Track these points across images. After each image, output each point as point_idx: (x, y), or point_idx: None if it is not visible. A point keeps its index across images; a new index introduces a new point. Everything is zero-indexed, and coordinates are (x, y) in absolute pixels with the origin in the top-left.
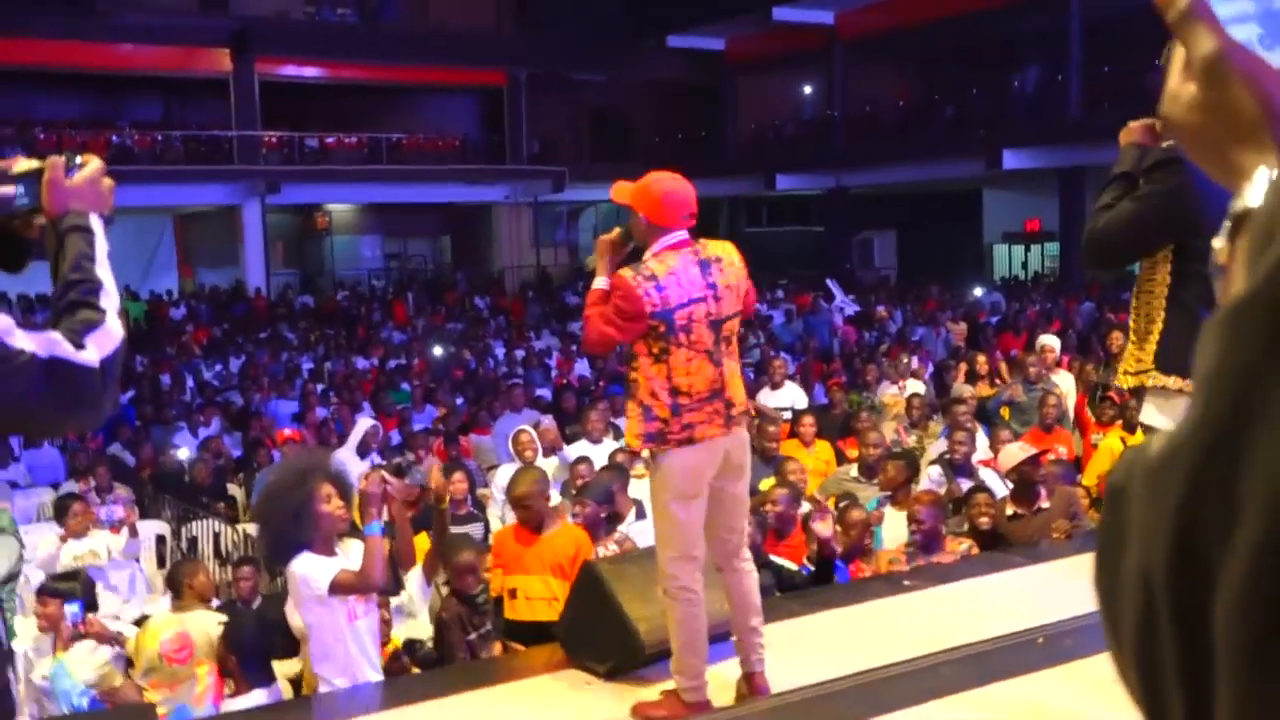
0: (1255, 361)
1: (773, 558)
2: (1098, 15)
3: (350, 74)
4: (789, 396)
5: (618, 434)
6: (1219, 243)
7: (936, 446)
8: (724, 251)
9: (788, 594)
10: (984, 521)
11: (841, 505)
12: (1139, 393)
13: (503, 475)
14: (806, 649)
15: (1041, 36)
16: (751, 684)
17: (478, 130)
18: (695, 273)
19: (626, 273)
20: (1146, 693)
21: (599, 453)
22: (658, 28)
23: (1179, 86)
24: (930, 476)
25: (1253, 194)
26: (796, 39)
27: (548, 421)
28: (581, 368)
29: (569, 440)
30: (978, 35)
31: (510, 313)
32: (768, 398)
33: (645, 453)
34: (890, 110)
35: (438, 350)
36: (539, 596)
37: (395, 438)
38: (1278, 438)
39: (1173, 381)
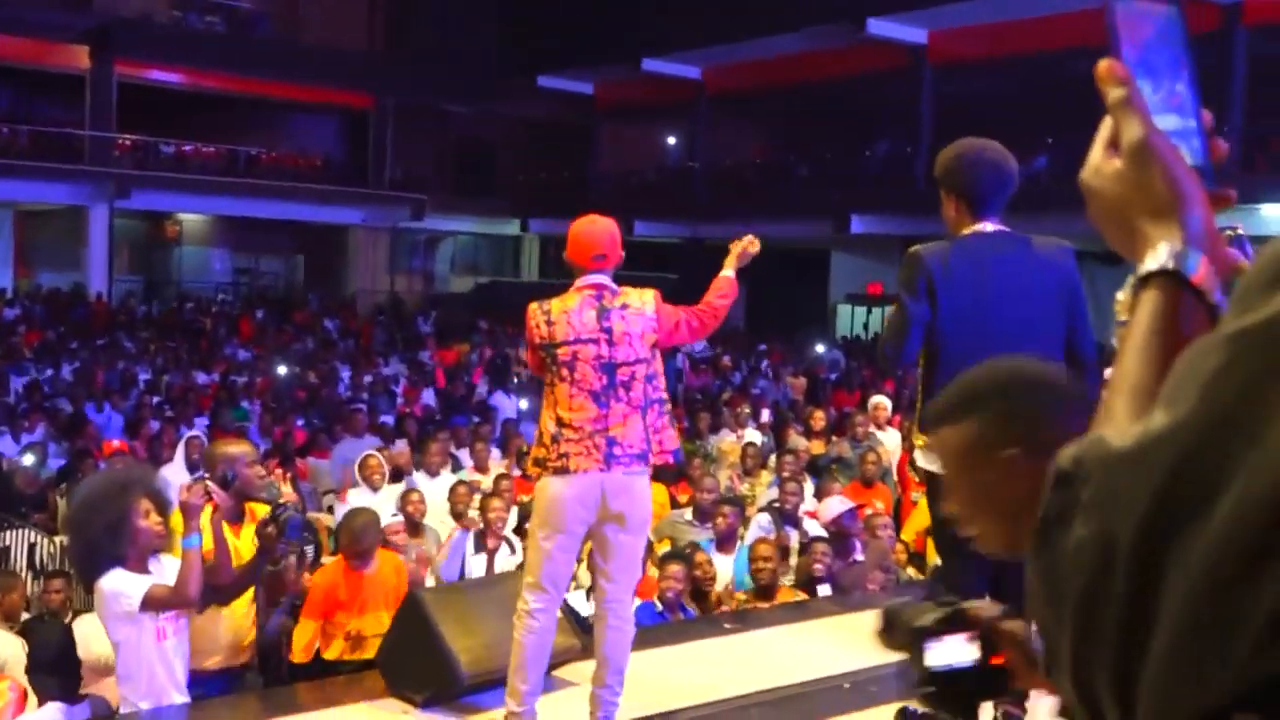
0: (1255, 378)
1: None
2: (948, 95)
3: (213, 83)
4: None
5: (456, 466)
6: (1122, 295)
7: (766, 495)
8: (635, 300)
9: None
10: (818, 569)
11: (687, 550)
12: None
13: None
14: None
15: (894, 109)
16: None
17: (340, 151)
18: (590, 315)
19: (533, 305)
20: (1078, 659)
21: (436, 486)
22: (529, 66)
23: (1103, 160)
24: (759, 524)
25: (1153, 260)
26: (664, 90)
27: (400, 445)
28: (428, 397)
29: (407, 471)
30: (835, 102)
31: (360, 336)
32: None
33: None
34: (748, 166)
35: (282, 369)
36: (374, 635)
37: None
38: (1260, 442)
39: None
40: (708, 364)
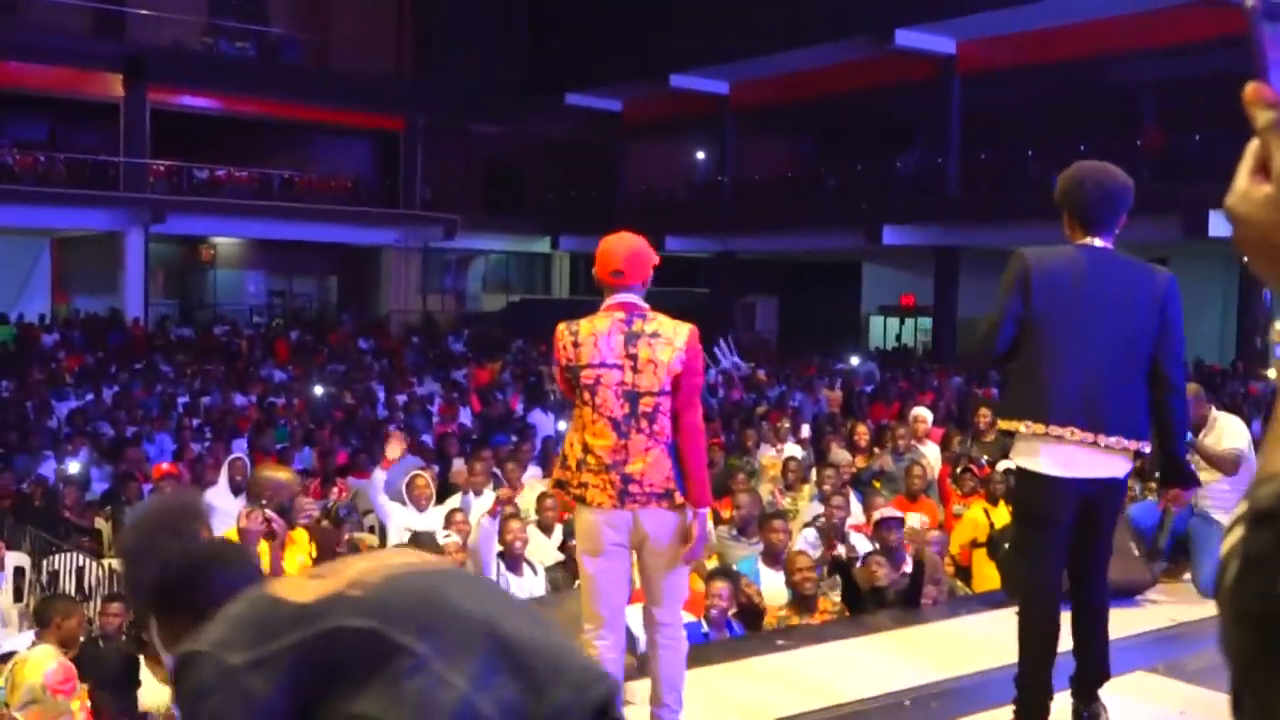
0: None
1: None
2: (977, 104)
3: (245, 108)
4: None
5: (498, 485)
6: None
7: (810, 509)
8: (668, 329)
9: None
10: (880, 578)
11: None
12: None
13: (400, 517)
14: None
15: (924, 120)
16: None
17: (372, 173)
18: (618, 340)
19: (561, 326)
20: None
21: (480, 505)
22: (557, 85)
23: (1251, 186)
24: (806, 539)
25: None
26: (691, 105)
27: (457, 464)
28: (465, 416)
29: (449, 490)
30: (864, 114)
31: (394, 356)
32: None
33: None
34: (778, 180)
35: (318, 390)
36: None
37: None
38: None
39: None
40: (744, 380)
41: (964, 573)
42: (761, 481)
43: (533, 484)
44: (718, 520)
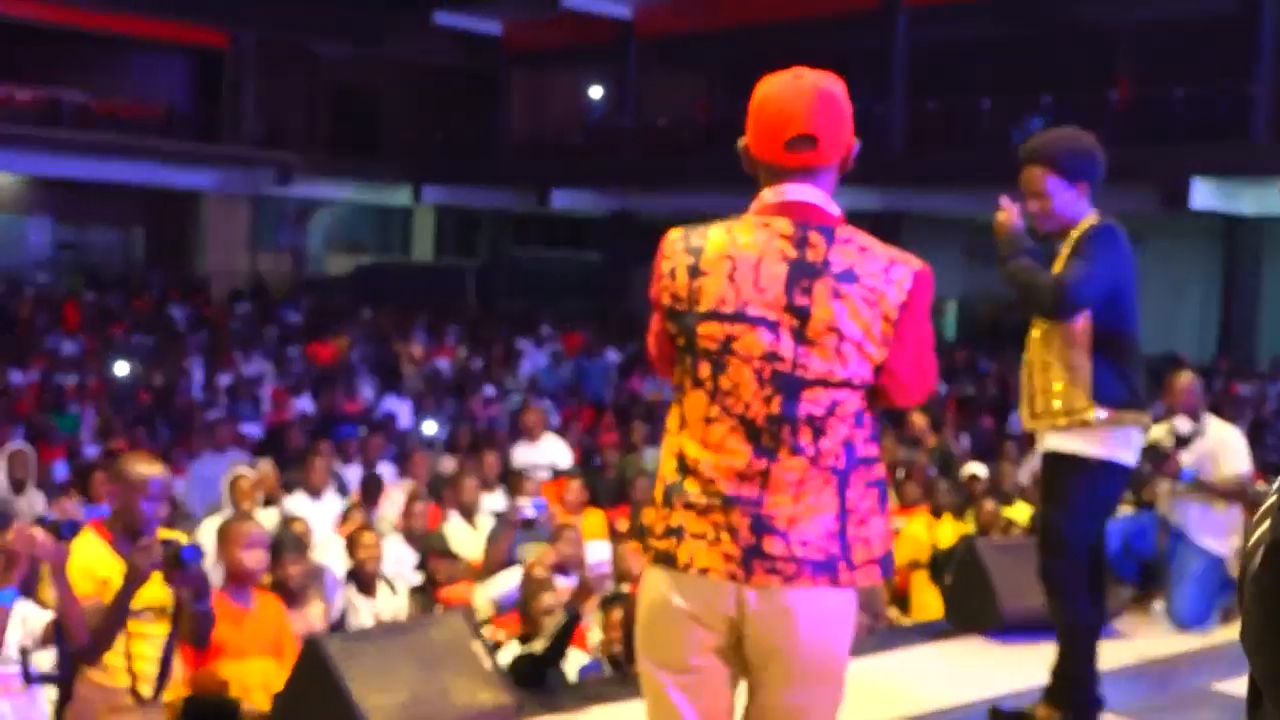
0: None
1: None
2: (925, 42)
3: (29, 11)
4: (549, 452)
5: (342, 486)
6: None
7: None
8: (871, 266)
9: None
10: None
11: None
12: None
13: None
14: None
15: (863, 58)
16: None
17: (189, 100)
18: (778, 271)
19: (674, 233)
20: None
21: (320, 510)
22: (424, 1)
23: None
24: None
25: None
26: (587, 31)
27: (265, 465)
28: (304, 404)
29: (286, 489)
30: (793, 49)
31: (215, 328)
32: (523, 453)
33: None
34: (689, 126)
35: (120, 367)
36: (258, 686)
37: (61, 471)
38: None
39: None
40: (641, 362)
41: (900, 599)
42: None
43: (389, 491)
44: (614, 534)
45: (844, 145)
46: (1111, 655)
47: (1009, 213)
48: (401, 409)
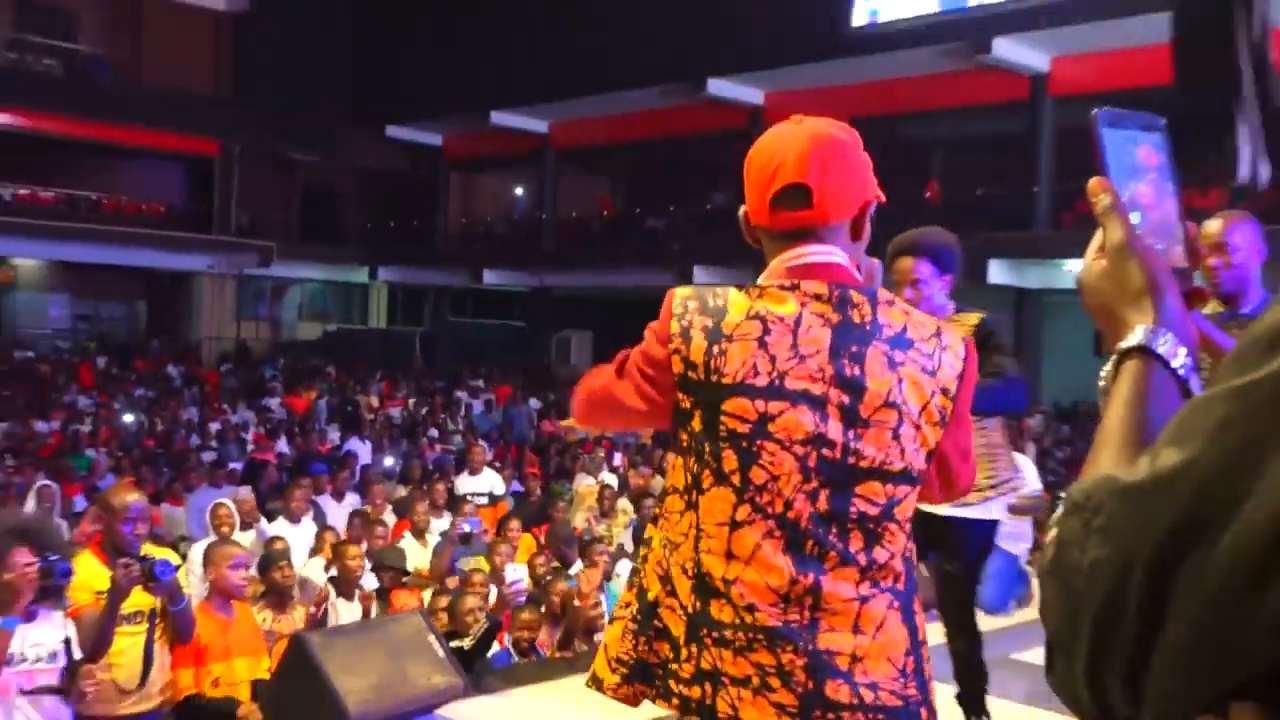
0: (1257, 424)
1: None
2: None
3: (51, 126)
4: (488, 482)
5: (318, 513)
6: (1105, 369)
7: (625, 537)
8: (923, 328)
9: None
10: None
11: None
12: None
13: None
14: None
15: (728, 165)
16: None
17: (185, 198)
18: (819, 336)
19: (680, 292)
20: (1094, 658)
21: (298, 534)
22: (378, 117)
23: (1093, 260)
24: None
25: (1131, 339)
26: (512, 143)
27: (244, 493)
28: (281, 445)
29: (269, 516)
30: (678, 157)
31: (205, 383)
32: (466, 483)
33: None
34: (595, 218)
35: (127, 417)
36: (242, 679)
37: (80, 503)
38: (1262, 477)
39: None
40: (555, 409)
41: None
42: (578, 509)
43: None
44: (539, 546)
45: (853, 201)
46: (934, 637)
47: None
48: (362, 449)
